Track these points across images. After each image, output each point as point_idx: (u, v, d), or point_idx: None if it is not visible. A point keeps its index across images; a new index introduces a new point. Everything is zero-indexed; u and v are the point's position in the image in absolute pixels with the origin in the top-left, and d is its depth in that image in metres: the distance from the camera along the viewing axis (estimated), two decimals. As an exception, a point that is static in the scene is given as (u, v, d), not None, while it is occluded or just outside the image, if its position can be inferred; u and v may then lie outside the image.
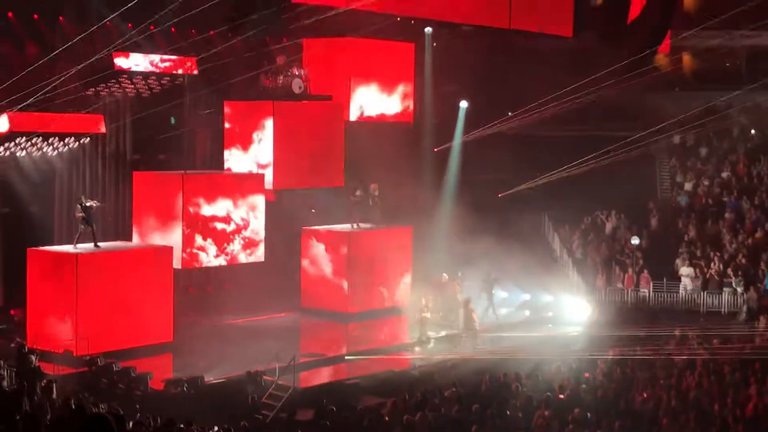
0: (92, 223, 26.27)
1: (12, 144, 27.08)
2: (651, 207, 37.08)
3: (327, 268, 31.40)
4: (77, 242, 26.33)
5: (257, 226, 30.12)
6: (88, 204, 26.19)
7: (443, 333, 29.45)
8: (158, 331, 26.58)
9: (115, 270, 26.06)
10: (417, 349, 28.15)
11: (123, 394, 22.41)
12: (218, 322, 29.48)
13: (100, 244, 26.52)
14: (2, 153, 27.30)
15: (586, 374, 22.25)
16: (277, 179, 30.72)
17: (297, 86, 31.04)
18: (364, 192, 31.63)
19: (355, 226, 31.68)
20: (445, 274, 32.01)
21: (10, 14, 27.80)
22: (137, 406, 19.90)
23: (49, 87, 25.91)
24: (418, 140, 34.25)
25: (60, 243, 28.29)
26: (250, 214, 29.94)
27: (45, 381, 18.19)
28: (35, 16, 28.23)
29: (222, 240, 29.31)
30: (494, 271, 32.32)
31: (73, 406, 12.59)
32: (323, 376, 25.48)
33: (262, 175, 30.45)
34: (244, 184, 30.16)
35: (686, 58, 40.24)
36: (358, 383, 24.47)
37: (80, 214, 26.11)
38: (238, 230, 29.71)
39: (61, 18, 28.56)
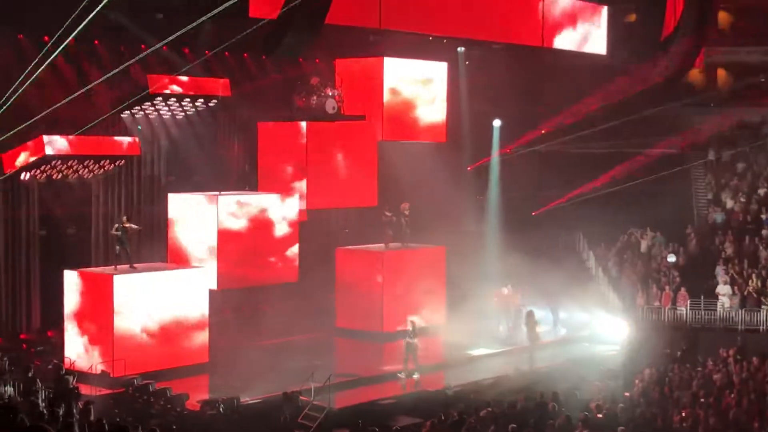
0: (126, 245, 26.44)
1: (48, 167, 27.31)
2: (689, 231, 36.68)
3: (361, 287, 31.38)
4: (116, 264, 26.54)
5: (291, 246, 30.17)
6: (125, 226, 26.36)
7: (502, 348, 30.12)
8: (194, 351, 26.67)
9: (151, 291, 26.18)
10: (401, 375, 26.62)
11: (159, 415, 22.45)
12: (254, 343, 29.50)
13: (135, 265, 26.67)
14: (39, 176, 27.54)
15: (626, 393, 22.06)
16: (311, 199, 30.79)
17: (330, 106, 31.13)
18: (395, 211, 31.61)
19: (385, 245, 31.63)
20: (504, 288, 32.13)
21: (45, 38, 28.07)
22: (174, 427, 19.94)
23: (86, 110, 26.21)
24: (451, 159, 34.20)
25: (96, 264, 28.51)
26: (285, 235, 30.01)
27: (83, 402, 18.28)
28: (72, 40, 28.48)
29: (257, 261, 29.38)
30: (528, 288, 32.35)
31: (107, 428, 12.62)
32: (359, 396, 25.40)
33: (296, 196, 30.53)
34: (277, 205, 30.23)
35: (721, 74, 40.04)
36: (394, 403, 24.39)
37: (116, 233, 26.28)
38: (273, 251, 29.77)
39: (96, 42, 28.83)
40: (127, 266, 26.48)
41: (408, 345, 26.94)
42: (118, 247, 26.44)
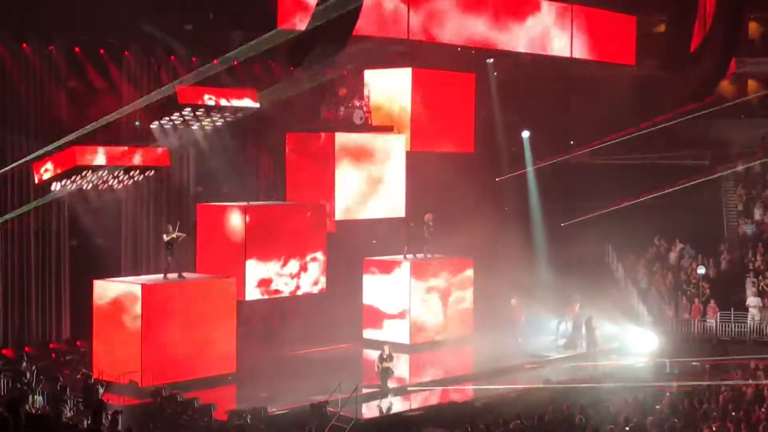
0: (172, 254, 26.59)
1: (78, 177, 27.51)
2: (722, 249, 36.41)
3: (388, 298, 31.37)
4: (166, 273, 26.75)
5: (319, 256, 30.24)
6: (175, 236, 26.48)
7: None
8: (222, 362, 26.72)
9: (179, 301, 26.29)
10: (379, 402, 25.47)
11: (187, 426, 22.52)
12: (281, 353, 29.56)
13: (169, 275, 26.81)
14: (70, 186, 27.75)
15: (657, 406, 21.92)
16: (339, 210, 30.85)
17: (358, 117, 31.21)
18: (419, 222, 31.58)
19: (408, 256, 31.61)
20: (513, 300, 32.15)
21: (77, 49, 28.32)
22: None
23: (116, 121, 26.40)
24: (479, 171, 34.15)
25: (126, 274, 28.65)
26: (312, 245, 30.07)
27: (111, 412, 18.37)
28: (101, 51, 28.73)
29: (285, 271, 29.46)
30: (556, 299, 32.42)
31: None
32: (386, 407, 25.37)
33: (324, 206, 30.60)
34: (306, 215, 30.31)
35: (751, 85, 39.79)
36: (421, 414, 24.34)
37: (168, 239, 26.44)
38: (301, 261, 29.85)
39: (126, 53, 29.05)
40: (176, 275, 26.65)
41: (382, 369, 26.10)
42: (169, 258, 26.60)
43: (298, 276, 29.87)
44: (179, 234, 26.69)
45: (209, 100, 28.76)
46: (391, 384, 26.33)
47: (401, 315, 30.91)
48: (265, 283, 29.06)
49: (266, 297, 29.53)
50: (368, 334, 31.42)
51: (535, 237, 35.87)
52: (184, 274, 26.98)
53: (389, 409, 25.22)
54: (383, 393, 25.87)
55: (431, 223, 31.54)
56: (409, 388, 27.10)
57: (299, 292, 30.08)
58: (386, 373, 26.13)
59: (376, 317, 31.42)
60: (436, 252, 32.08)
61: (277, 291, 29.47)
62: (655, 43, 37.64)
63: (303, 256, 29.92)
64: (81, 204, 28.83)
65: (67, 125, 27.48)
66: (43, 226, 28.27)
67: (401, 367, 29.19)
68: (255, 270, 28.81)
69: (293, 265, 29.72)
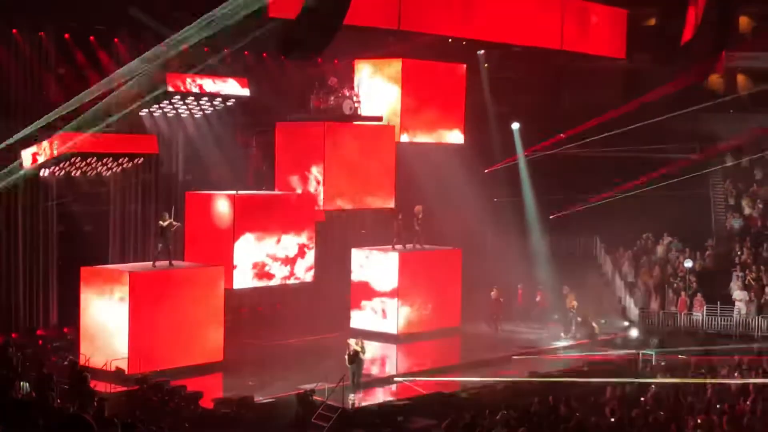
0: (167, 242, 26.56)
1: (67, 164, 27.44)
2: (709, 244, 36.50)
3: (377, 288, 31.39)
4: (155, 260, 26.71)
5: (308, 246, 30.24)
6: (167, 223, 26.43)
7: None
8: (209, 350, 26.73)
9: (167, 289, 26.28)
10: (351, 396, 24.29)
11: (173, 413, 22.51)
12: (268, 342, 29.57)
13: (158, 263, 26.77)
14: (58, 173, 27.68)
15: (642, 399, 22.00)
16: (328, 200, 30.84)
17: (348, 107, 31.19)
18: (409, 213, 31.59)
19: (398, 247, 31.63)
20: (492, 291, 32.31)
21: (66, 36, 28.24)
22: (186, 425, 20.00)
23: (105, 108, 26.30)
24: (469, 161, 34.20)
25: (113, 261, 28.62)
26: (301, 235, 30.07)
27: (97, 399, 18.35)
28: (91, 38, 28.64)
29: (273, 260, 29.46)
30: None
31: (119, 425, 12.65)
32: (372, 396, 25.42)
33: (313, 196, 30.59)
34: (294, 205, 30.30)
35: (741, 80, 39.85)
36: (408, 404, 24.39)
37: (165, 225, 26.38)
38: (289, 251, 29.84)
39: (116, 39, 28.96)
40: (166, 263, 26.61)
41: (358, 361, 25.13)
42: (160, 245, 26.56)
43: (287, 265, 29.86)
44: (174, 222, 26.65)
45: (198, 88, 28.73)
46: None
47: (389, 305, 30.89)
48: (253, 271, 29.04)
49: (254, 286, 29.51)
50: (356, 323, 31.43)
51: (525, 228, 35.96)
52: (174, 263, 26.93)
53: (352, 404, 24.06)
54: (355, 384, 24.99)
55: (420, 215, 31.56)
56: (396, 379, 27.13)
57: (288, 281, 30.07)
58: (359, 364, 25.16)
59: (364, 307, 31.42)
60: (425, 243, 32.11)
61: (268, 275, 29.43)
62: (645, 36, 37.66)
63: (292, 246, 29.90)
64: (69, 190, 28.77)
65: (57, 111, 27.40)
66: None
67: (390, 357, 29.29)
68: (243, 258, 28.78)
69: (282, 255, 29.70)
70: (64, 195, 28.75)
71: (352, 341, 25.57)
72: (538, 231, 35.94)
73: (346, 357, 25.16)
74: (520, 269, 34.18)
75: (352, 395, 24.31)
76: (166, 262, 26.68)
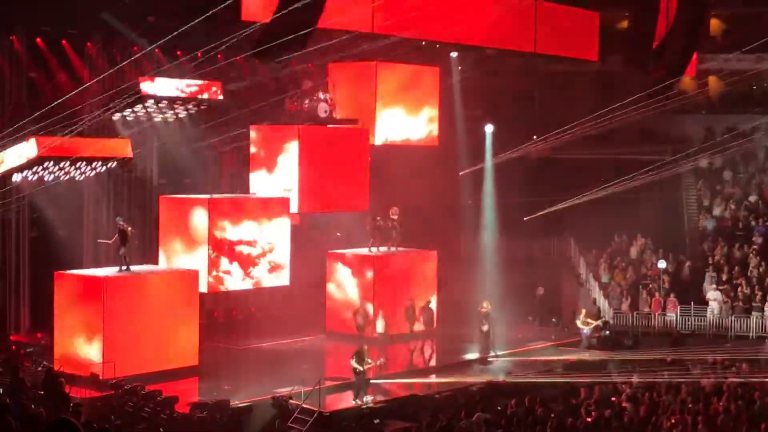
0: (124, 246, 26.45)
1: (40, 168, 27.29)
2: (682, 244, 36.71)
3: (352, 291, 31.40)
4: (120, 265, 26.57)
5: (282, 249, 30.19)
6: (123, 228, 26.33)
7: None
8: (184, 354, 26.64)
9: (141, 293, 26.19)
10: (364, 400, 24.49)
11: (149, 418, 22.41)
12: (244, 346, 29.52)
13: (131, 267, 26.67)
14: (30, 177, 27.52)
15: (613, 399, 22.10)
16: (302, 203, 30.82)
17: (322, 110, 31.20)
18: (384, 216, 31.60)
19: (373, 249, 31.65)
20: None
21: (38, 40, 28.09)
22: (161, 430, 19.91)
23: (77, 112, 26.16)
24: (443, 164, 34.22)
25: (87, 266, 28.47)
26: (276, 238, 30.02)
27: (72, 404, 18.27)
28: (63, 42, 28.50)
29: (247, 264, 29.40)
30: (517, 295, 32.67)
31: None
32: (348, 400, 25.39)
33: (288, 199, 30.56)
34: (269, 208, 30.26)
35: (712, 82, 40.08)
36: (384, 407, 24.39)
37: (120, 228, 26.26)
38: (264, 254, 29.79)
39: (89, 44, 28.83)
40: (124, 267, 26.50)
41: (360, 372, 24.93)
42: (123, 249, 26.43)
43: (261, 268, 29.79)
44: (126, 226, 26.51)
45: (171, 91, 28.62)
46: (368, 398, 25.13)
47: (365, 308, 30.88)
48: (227, 275, 28.96)
49: (229, 289, 29.44)
50: (331, 326, 31.40)
51: (494, 231, 35.97)
52: (132, 268, 26.71)
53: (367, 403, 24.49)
54: (359, 395, 24.91)
55: (396, 217, 31.59)
56: (372, 381, 27.12)
57: (262, 285, 30.01)
58: (362, 376, 25.02)
59: (340, 310, 31.41)
60: (401, 245, 32.13)
61: (243, 279, 29.35)
62: (617, 38, 37.79)
63: (266, 248, 29.84)
64: (42, 195, 28.61)
65: (28, 116, 27.23)
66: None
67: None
68: (217, 262, 28.70)
69: (256, 258, 29.64)
70: (36, 199, 28.60)
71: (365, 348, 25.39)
72: (492, 234, 35.75)
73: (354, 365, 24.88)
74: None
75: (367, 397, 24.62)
76: (125, 267, 26.48)
